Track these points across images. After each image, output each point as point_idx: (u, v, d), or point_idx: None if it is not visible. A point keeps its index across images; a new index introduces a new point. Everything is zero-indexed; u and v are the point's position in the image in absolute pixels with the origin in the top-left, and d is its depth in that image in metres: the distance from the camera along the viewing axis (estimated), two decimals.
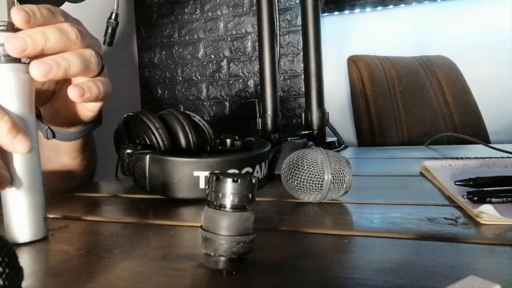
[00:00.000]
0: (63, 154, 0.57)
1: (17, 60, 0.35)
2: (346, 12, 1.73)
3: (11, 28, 0.35)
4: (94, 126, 0.56)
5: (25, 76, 0.35)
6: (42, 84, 0.45)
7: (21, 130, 0.34)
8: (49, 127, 0.53)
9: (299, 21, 1.70)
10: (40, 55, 0.37)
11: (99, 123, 0.56)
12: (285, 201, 0.48)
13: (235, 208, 0.27)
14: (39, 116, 0.52)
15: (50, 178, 0.58)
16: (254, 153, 0.52)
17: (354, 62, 1.38)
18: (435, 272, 0.27)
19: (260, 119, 0.98)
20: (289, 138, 0.84)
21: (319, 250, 0.33)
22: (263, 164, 0.53)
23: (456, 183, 0.46)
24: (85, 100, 0.42)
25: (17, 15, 0.35)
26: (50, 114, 0.51)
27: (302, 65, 1.45)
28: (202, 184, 0.47)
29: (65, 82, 0.45)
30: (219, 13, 1.85)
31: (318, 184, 0.44)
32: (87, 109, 0.48)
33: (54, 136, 0.53)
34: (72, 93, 0.40)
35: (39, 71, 0.36)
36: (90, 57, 0.41)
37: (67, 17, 0.41)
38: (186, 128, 0.59)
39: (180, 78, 1.95)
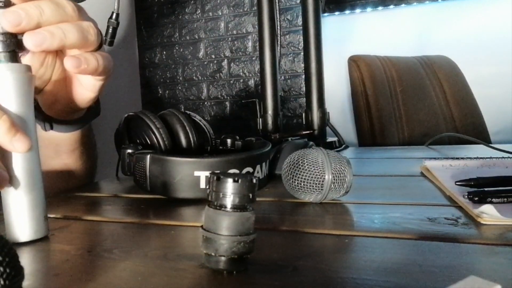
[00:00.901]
0: (62, 147, 0.56)
1: (16, 60, 0.35)
2: (347, 12, 1.73)
3: (8, 5, 0.35)
4: (92, 117, 0.54)
5: (24, 76, 0.35)
6: (38, 68, 0.44)
7: (20, 129, 0.34)
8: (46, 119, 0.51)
9: (299, 21, 1.70)
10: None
11: (97, 113, 0.55)
12: (286, 201, 0.48)
13: (235, 208, 0.27)
14: (36, 107, 0.51)
15: (50, 176, 0.57)
16: (255, 153, 0.52)
17: (354, 62, 1.38)
18: (435, 272, 0.27)
19: (260, 119, 0.98)
20: (289, 138, 0.84)
21: (319, 250, 0.33)
22: (263, 164, 0.53)
23: (457, 183, 0.46)
24: (82, 71, 0.40)
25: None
26: (48, 100, 0.49)
27: (302, 65, 1.45)
28: (202, 184, 0.47)
29: (63, 65, 0.45)
30: (220, 13, 1.85)
31: (319, 184, 0.44)
32: (87, 89, 0.47)
33: (52, 128, 0.52)
34: (68, 63, 0.38)
35: (33, 41, 0.35)
36: (88, 28, 0.39)
37: None
38: (187, 128, 0.59)
39: (180, 78, 1.95)
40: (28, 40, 0.35)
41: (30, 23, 0.35)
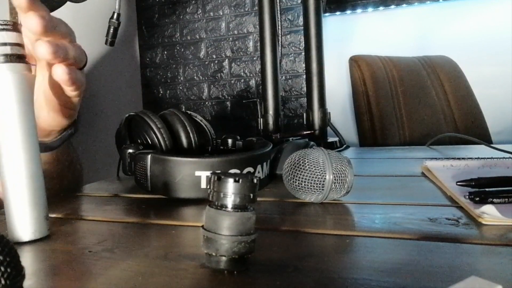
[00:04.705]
0: None
1: (16, 60, 0.35)
2: (348, 12, 1.72)
3: (15, 28, 0.35)
4: (67, 137, 0.53)
5: (24, 76, 0.35)
6: None
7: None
8: None
9: (301, 21, 1.70)
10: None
11: (74, 132, 0.54)
12: (287, 201, 0.48)
13: (236, 208, 0.27)
14: None
15: None
16: (256, 153, 0.52)
17: (355, 62, 1.38)
18: (436, 273, 0.27)
19: (261, 119, 0.98)
20: (290, 138, 0.84)
21: (320, 250, 0.33)
22: (264, 164, 0.53)
23: (458, 183, 0.46)
24: (55, 55, 0.41)
25: (34, 20, 0.37)
26: None
27: (303, 65, 1.45)
28: (203, 184, 0.47)
29: (44, 84, 0.46)
30: (221, 13, 1.84)
31: (320, 184, 0.44)
32: (64, 108, 0.48)
33: None
34: (42, 47, 0.39)
35: (47, 49, 0.38)
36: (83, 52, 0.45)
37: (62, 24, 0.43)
38: (188, 128, 0.59)
39: (181, 78, 1.95)
40: (42, 49, 0.38)
41: (65, 57, 0.41)
